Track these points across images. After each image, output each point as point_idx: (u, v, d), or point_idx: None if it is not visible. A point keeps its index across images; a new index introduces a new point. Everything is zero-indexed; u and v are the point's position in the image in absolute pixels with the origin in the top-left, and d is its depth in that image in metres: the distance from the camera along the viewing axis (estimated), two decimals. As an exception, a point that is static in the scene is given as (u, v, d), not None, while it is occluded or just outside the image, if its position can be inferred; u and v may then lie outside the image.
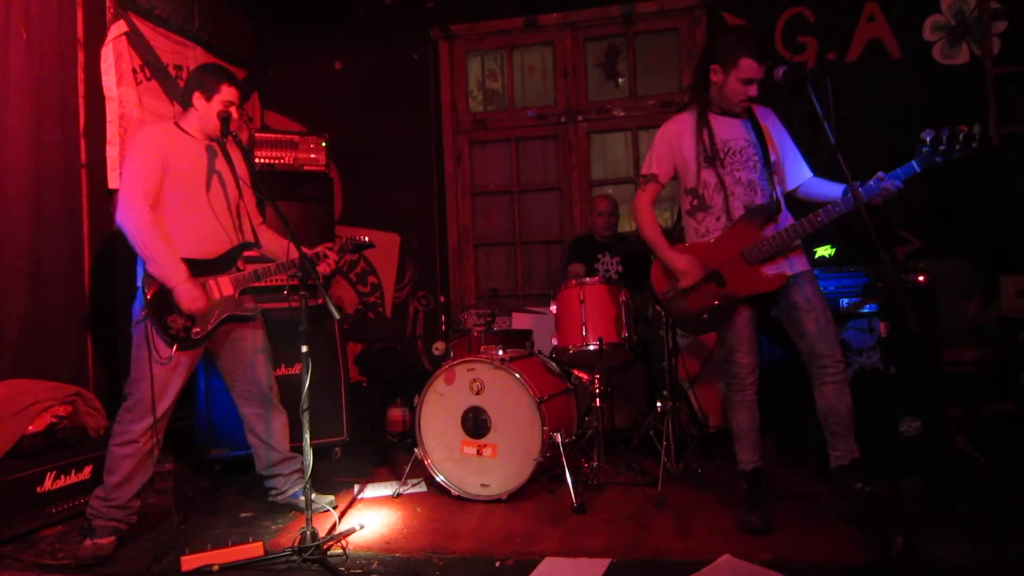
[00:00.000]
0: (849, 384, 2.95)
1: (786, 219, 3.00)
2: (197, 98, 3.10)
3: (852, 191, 2.64)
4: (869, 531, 2.75)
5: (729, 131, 3.03)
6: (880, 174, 2.76)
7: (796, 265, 2.99)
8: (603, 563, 2.68)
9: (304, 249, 3.04)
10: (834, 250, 4.07)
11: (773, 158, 3.02)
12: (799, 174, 3.10)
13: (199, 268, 2.99)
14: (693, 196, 3.08)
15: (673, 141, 3.10)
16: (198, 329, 2.97)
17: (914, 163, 2.73)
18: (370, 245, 3.38)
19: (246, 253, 3.21)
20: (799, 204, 3.07)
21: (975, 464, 3.54)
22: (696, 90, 3.11)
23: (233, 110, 3.14)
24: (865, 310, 3.83)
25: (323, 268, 3.20)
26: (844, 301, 3.84)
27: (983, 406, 4.02)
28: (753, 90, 2.93)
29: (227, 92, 3.11)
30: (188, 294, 2.91)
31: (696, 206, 3.07)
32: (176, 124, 3.15)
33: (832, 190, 2.94)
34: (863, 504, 2.86)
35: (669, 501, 3.29)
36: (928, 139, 2.71)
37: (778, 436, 3.59)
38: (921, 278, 3.80)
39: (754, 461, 3.04)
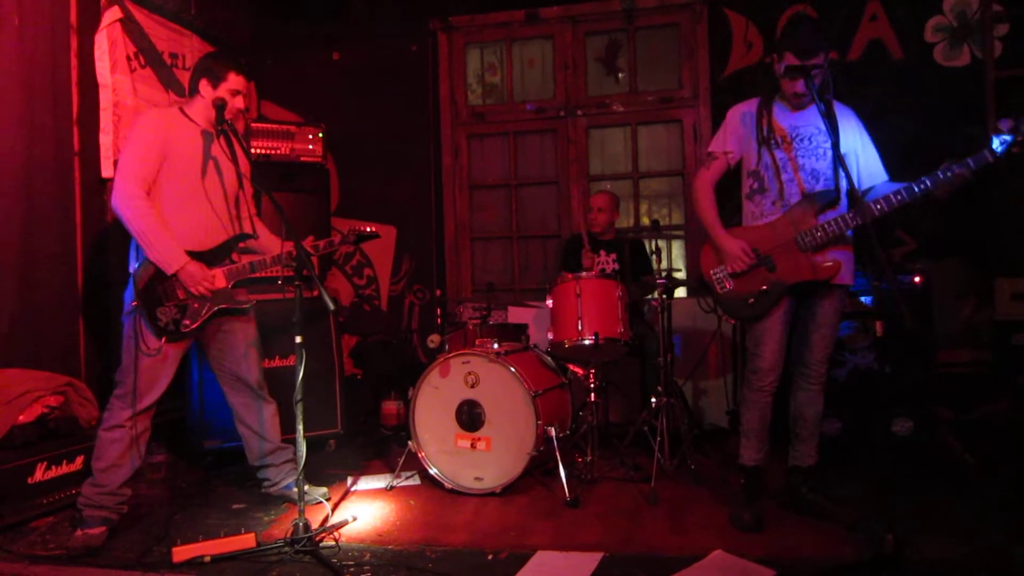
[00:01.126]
0: (823, 395, 3.01)
1: (843, 211, 2.92)
2: (204, 85, 3.06)
3: (849, 179, 2.62)
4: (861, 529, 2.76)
5: (798, 118, 2.98)
6: (950, 163, 2.63)
7: (843, 272, 2.93)
8: (596, 557, 2.67)
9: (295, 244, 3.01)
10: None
11: (844, 151, 2.91)
12: (874, 176, 2.98)
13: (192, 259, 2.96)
14: (754, 179, 3.04)
15: (744, 120, 3.05)
16: (187, 322, 2.95)
17: (986, 152, 2.59)
18: (375, 235, 3.34)
19: (242, 244, 3.19)
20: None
21: (966, 464, 3.55)
22: (768, 77, 3.07)
23: (239, 99, 3.09)
24: (861, 309, 3.83)
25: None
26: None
27: (975, 407, 4.04)
28: (799, 86, 2.86)
29: (234, 80, 3.07)
30: (191, 276, 2.90)
31: (755, 189, 3.03)
32: (181, 110, 3.12)
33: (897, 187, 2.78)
34: (800, 505, 3.02)
35: (662, 496, 3.29)
36: (1006, 128, 2.56)
37: (775, 432, 3.58)
38: (917, 279, 3.80)
39: (756, 459, 3.05)
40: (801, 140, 2.95)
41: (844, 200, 2.95)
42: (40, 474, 3.18)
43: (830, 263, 2.88)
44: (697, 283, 3.29)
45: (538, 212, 5.51)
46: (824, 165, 2.93)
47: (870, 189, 2.99)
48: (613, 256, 4.51)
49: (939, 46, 4.60)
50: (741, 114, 3.07)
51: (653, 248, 4.16)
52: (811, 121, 2.96)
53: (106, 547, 2.87)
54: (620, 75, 5.34)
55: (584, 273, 3.71)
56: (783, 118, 2.98)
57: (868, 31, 4.70)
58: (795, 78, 2.85)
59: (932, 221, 4.48)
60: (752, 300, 2.97)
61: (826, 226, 2.84)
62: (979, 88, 4.45)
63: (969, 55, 4.55)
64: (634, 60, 5.27)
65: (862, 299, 3.84)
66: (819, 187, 2.93)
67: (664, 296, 3.79)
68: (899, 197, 2.69)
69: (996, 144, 2.59)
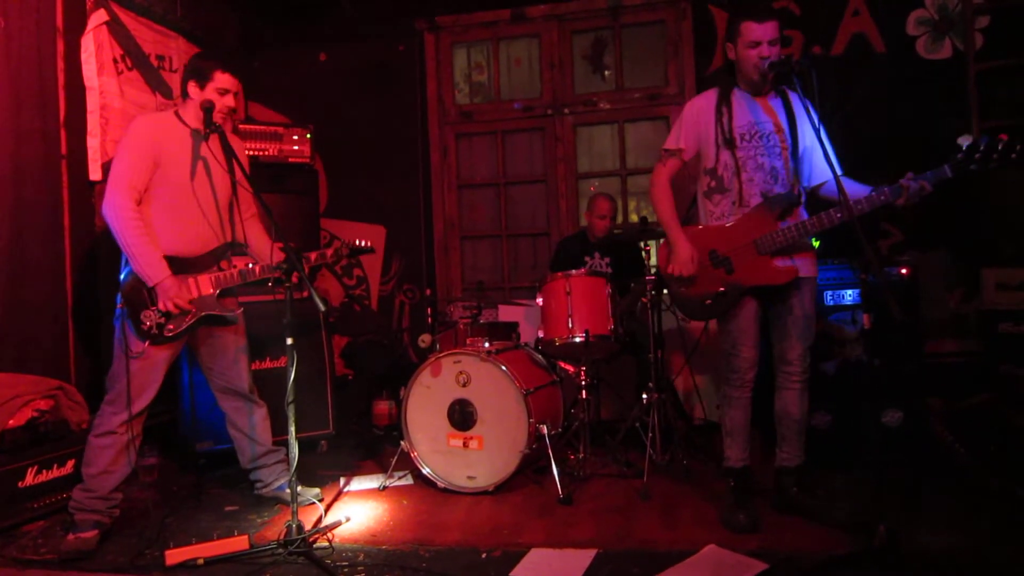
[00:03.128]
0: (807, 392, 2.99)
1: (802, 214, 2.93)
2: (192, 87, 3.03)
3: (837, 182, 2.60)
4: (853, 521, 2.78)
5: (758, 113, 2.94)
6: (910, 175, 2.65)
7: (805, 269, 2.93)
8: (589, 554, 2.69)
9: (284, 246, 2.99)
10: (819, 242, 4.09)
11: (802, 148, 2.93)
12: (826, 171, 2.93)
13: (177, 266, 2.95)
14: (711, 177, 3.01)
15: (701, 117, 3.01)
16: (172, 326, 2.94)
17: (946, 167, 2.60)
18: (370, 250, 3.33)
19: (232, 252, 3.17)
20: (820, 204, 2.93)
21: (956, 454, 3.58)
22: (705, 73, 3.07)
23: (228, 98, 3.05)
24: (848, 302, 3.86)
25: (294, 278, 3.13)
26: (828, 293, 3.87)
27: (964, 397, 4.06)
28: (765, 50, 2.82)
29: (221, 79, 3.03)
30: (166, 292, 2.88)
31: (713, 188, 3.00)
32: (176, 114, 3.09)
33: (857, 189, 2.77)
34: (791, 507, 2.98)
35: (655, 492, 3.30)
36: (964, 146, 2.58)
37: (763, 428, 3.61)
38: (904, 271, 3.83)
39: (743, 459, 3.03)
40: (761, 137, 2.92)
41: (803, 203, 2.96)
42: (31, 478, 3.17)
43: (788, 267, 2.88)
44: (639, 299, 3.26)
45: (527, 210, 5.52)
46: (782, 163, 2.93)
47: (823, 184, 2.99)
48: (607, 260, 4.52)
49: (921, 39, 4.64)
50: (698, 109, 3.03)
51: (643, 245, 4.18)
52: (769, 117, 2.94)
53: (98, 551, 2.86)
54: (607, 73, 5.36)
55: (574, 271, 3.72)
56: (742, 114, 2.94)
57: (851, 25, 4.73)
58: (758, 44, 2.83)
59: (919, 212, 4.50)
60: (709, 302, 2.98)
61: (787, 231, 2.84)
62: (961, 80, 4.49)
63: (951, 48, 4.59)
64: (620, 58, 5.28)
65: (849, 292, 3.86)
66: (777, 186, 2.91)
67: (654, 293, 3.80)
68: (859, 207, 2.68)
69: (952, 163, 2.60)
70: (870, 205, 2.69)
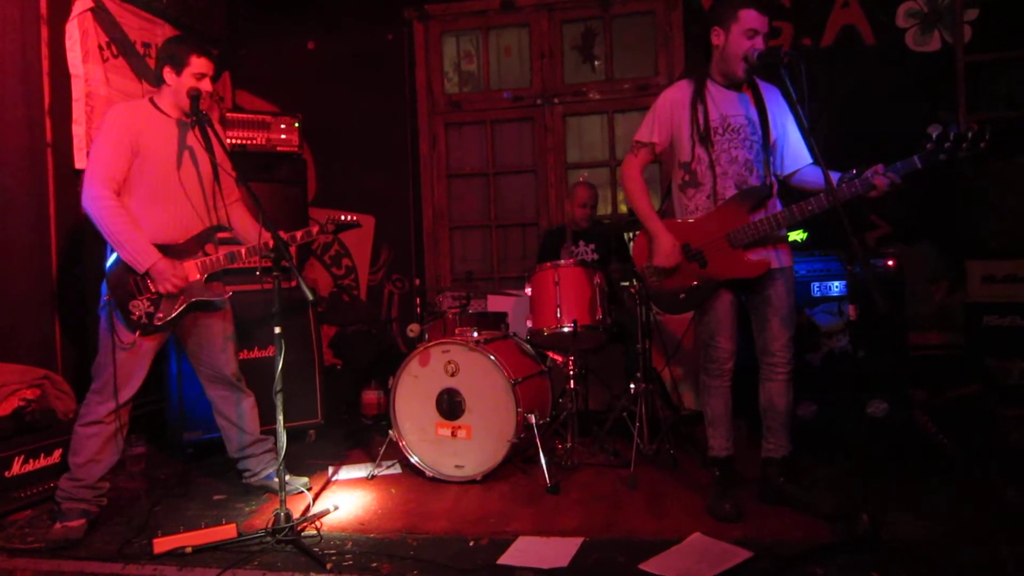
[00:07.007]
0: (792, 383, 2.98)
1: (775, 206, 2.94)
2: (168, 73, 3.01)
3: (825, 175, 2.59)
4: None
5: (730, 106, 2.92)
6: (879, 167, 2.65)
7: (781, 259, 2.94)
8: (576, 542, 2.71)
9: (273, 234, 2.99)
10: (806, 234, 4.12)
11: (773, 138, 2.93)
12: (798, 159, 2.97)
13: (163, 253, 2.93)
14: (685, 171, 2.99)
15: (675, 109, 2.98)
16: (161, 315, 2.93)
17: (916, 159, 2.60)
18: (355, 224, 3.30)
19: (219, 235, 3.17)
20: (793, 193, 2.94)
21: (939, 445, 3.62)
22: (697, 63, 3.03)
23: (205, 82, 3.03)
24: (835, 293, 3.88)
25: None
26: (815, 285, 3.89)
27: (948, 389, 4.11)
28: (759, 42, 2.81)
29: (197, 64, 3.00)
30: (162, 274, 2.88)
31: (687, 181, 2.99)
32: (151, 101, 3.07)
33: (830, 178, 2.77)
34: (778, 497, 2.98)
35: (642, 482, 3.32)
36: (934, 135, 2.57)
37: (748, 418, 3.64)
38: (890, 263, 3.86)
39: (727, 448, 3.05)
40: (733, 132, 2.91)
41: (776, 194, 2.96)
42: (17, 467, 3.15)
43: (761, 260, 2.88)
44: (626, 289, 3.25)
45: (516, 200, 5.52)
46: (755, 155, 2.92)
47: (796, 172, 2.98)
48: (592, 247, 4.53)
49: (911, 31, 4.66)
50: (671, 102, 3.00)
51: (631, 236, 4.19)
52: (741, 109, 2.93)
53: (86, 540, 2.87)
54: (596, 63, 5.35)
55: (563, 261, 3.73)
56: (715, 107, 2.93)
57: (841, 17, 4.74)
58: (755, 35, 2.81)
59: (905, 205, 4.53)
60: (683, 296, 2.98)
61: (759, 224, 2.84)
62: (950, 73, 4.51)
63: (940, 40, 4.61)
64: (610, 48, 5.28)
65: (835, 283, 3.89)
66: (752, 179, 2.91)
67: (641, 283, 3.81)
68: (831, 199, 2.65)
69: (922, 154, 2.59)
70: (839, 198, 2.65)
